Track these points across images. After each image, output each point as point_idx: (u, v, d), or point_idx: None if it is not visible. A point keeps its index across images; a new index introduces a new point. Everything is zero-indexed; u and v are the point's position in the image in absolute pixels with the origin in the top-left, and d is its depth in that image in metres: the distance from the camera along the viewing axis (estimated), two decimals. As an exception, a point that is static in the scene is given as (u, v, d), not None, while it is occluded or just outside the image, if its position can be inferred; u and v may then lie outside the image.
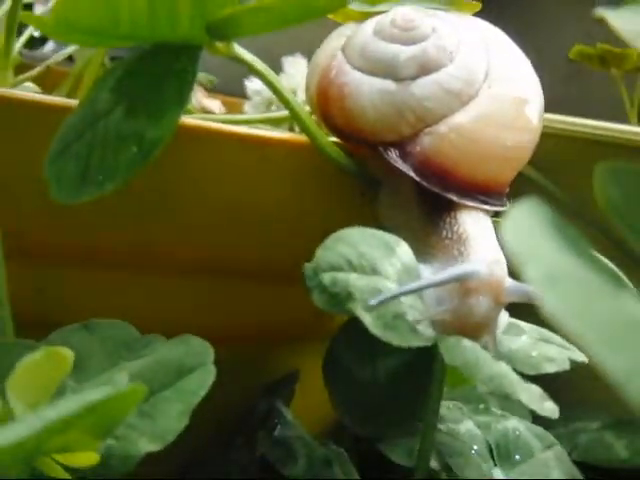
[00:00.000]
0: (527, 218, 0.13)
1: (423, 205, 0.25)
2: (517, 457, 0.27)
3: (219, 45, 0.22)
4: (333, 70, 0.25)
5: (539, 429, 0.29)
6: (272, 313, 0.29)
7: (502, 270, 0.23)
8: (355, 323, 0.27)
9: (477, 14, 0.27)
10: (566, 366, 0.24)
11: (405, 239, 0.24)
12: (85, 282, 0.26)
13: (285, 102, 0.25)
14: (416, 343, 0.22)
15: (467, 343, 0.22)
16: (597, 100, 0.56)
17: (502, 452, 0.27)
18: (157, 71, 0.22)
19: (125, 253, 0.26)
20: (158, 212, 0.25)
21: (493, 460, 0.27)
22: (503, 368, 0.22)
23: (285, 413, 0.30)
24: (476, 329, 0.23)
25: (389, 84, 0.25)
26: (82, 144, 0.21)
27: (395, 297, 0.21)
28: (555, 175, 0.31)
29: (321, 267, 0.22)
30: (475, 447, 0.27)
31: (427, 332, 0.22)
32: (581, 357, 0.25)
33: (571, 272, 0.12)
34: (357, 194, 0.27)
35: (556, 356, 0.25)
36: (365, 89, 0.25)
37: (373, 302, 0.21)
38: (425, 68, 0.25)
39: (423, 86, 0.24)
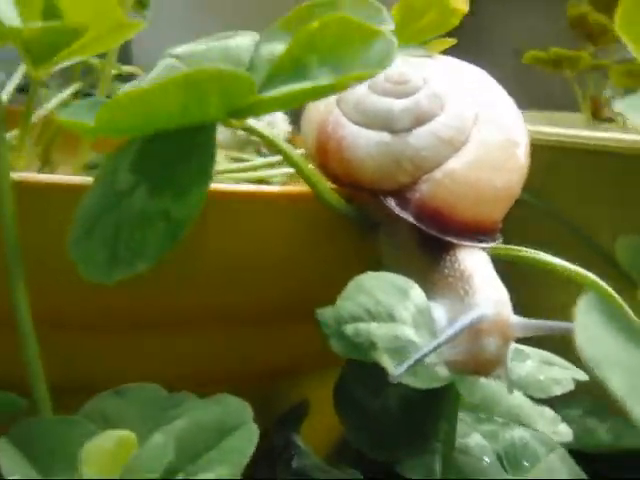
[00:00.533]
0: (597, 323, 0.14)
1: (423, 246, 0.27)
2: (526, 464, 0.29)
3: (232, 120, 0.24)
4: (330, 124, 0.27)
5: (541, 434, 0.31)
6: (278, 352, 0.31)
7: (507, 308, 0.24)
8: None
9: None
10: (571, 386, 0.26)
11: (408, 278, 0.26)
12: (97, 345, 0.27)
13: (289, 158, 0.26)
14: (435, 385, 0.23)
15: (482, 381, 0.24)
16: (546, 94, 0.58)
17: (511, 461, 0.29)
18: (176, 149, 0.23)
19: (138, 314, 0.27)
20: (170, 272, 0.26)
21: (504, 469, 0.29)
22: (517, 399, 0.24)
23: (299, 443, 0.31)
24: (489, 366, 0.24)
25: (385, 136, 0.26)
26: (107, 225, 0.22)
27: (418, 360, 0.22)
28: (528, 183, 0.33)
29: (343, 318, 0.23)
30: (486, 459, 0.29)
31: (443, 373, 0.24)
32: (582, 376, 0.27)
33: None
34: (357, 238, 0.29)
35: (561, 377, 0.27)
36: (362, 142, 0.26)
37: (400, 371, 0.22)
38: (419, 119, 0.26)
39: (418, 137, 0.26)
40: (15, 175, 0.23)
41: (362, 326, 0.23)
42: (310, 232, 0.28)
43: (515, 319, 0.24)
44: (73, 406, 0.23)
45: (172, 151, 0.23)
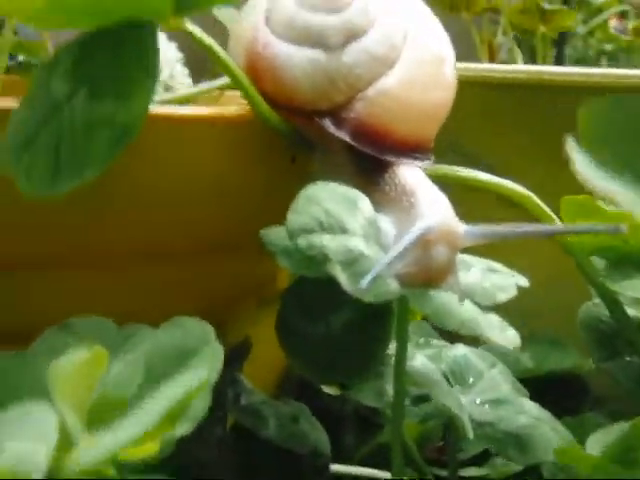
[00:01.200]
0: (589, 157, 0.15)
1: (360, 164, 0.26)
2: (471, 380, 0.29)
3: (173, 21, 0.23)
4: (260, 44, 0.26)
5: (479, 351, 0.31)
6: (212, 288, 0.30)
7: (453, 217, 0.24)
8: (302, 283, 0.28)
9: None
10: (514, 292, 0.27)
11: None
12: (33, 286, 0.26)
13: (230, 73, 0.25)
14: (387, 297, 0.23)
15: (434, 292, 0.24)
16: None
17: (458, 378, 0.29)
18: (116, 53, 0.22)
19: (73, 250, 0.26)
20: (95, 206, 0.25)
21: (451, 386, 0.29)
22: (469, 310, 0.24)
23: (244, 382, 0.30)
24: (440, 276, 0.24)
25: (319, 53, 0.25)
26: (47, 135, 0.21)
27: (377, 272, 0.22)
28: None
29: (295, 231, 0.23)
30: (434, 377, 0.29)
31: (394, 286, 0.23)
32: (524, 282, 0.27)
33: None
34: (288, 160, 0.28)
35: (504, 284, 0.27)
36: (296, 60, 0.25)
37: (363, 285, 0.22)
38: (351, 35, 0.26)
39: (351, 54, 0.26)
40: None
41: (315, 238, 0.23)
42: (241, 155, 0.27)
43: (462, 227, 0.24)
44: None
45: (110, 55, 0.22)
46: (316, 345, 0.28)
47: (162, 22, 0.23)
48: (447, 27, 0.60)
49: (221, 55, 0.25)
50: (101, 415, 0.18)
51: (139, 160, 0.24)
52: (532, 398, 0.29)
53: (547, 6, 0.51)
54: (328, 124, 0.26)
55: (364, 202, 0.25)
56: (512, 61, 0.59)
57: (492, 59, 0.60)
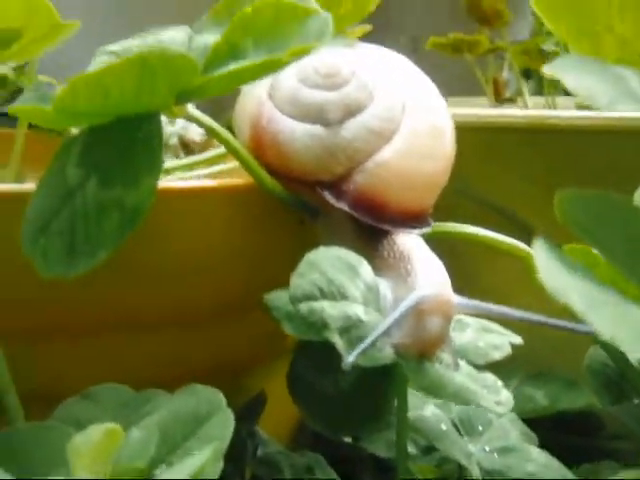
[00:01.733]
0: (552, 260, 0.16)
1: (360, 232, 0.27)
2: (480, 428, 0.30)
3: (175, 108, 0.24)
4: (264, 118, 0.27)
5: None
6: (229, 347, 0.31)
7: (448, 287, 0.25)
8: (310, 341, 0.29)
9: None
10: (509, 350, 0.28)
11: None
12: (55, 353, 0.27)
13: (230, 147, 0.26)
14: (380, 363, 0.24)
15: (428, 364, 0.25)
16: (446, 79, 0.60)
17: (467, 426, 0.30)
18: (122, 141, 0.23)
19: (90, 319, 0.27)
20: (120, 274, 0.26)
21: (460, 434, 0.30)
22: (462, 379, 0.25)
23: (261, 433, 0.31)
24: (433, 346, 0.25)
25: (319, 129, 0.27)
26: (62, 219, 0.22)
27: (368, 345, 0.23)
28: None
29: (297, 297, 0.24)
30: (444, 427, 0.30)
31: (389, 352, 0.24)
32: (518, 340, 0.28)
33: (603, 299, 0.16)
34: (296, 223, 0.29)
35: (499, 342, 0.28)
36: (298, 135, 0.27)
37: (351, 358, 0.23)
38: (350, 111, 0.27)
39: (350, 129, 0.27)
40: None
41: (315, 305, 0.24)
42: (250, 223, 0.28)
43: (456, 298, 0.25)
44: (39, 416, 0.23)
45: (118, 143, 0.23)
46: (326, 399, 0.29)
47: (165, 111, 0.24)
48: (452, 65, 0.61)
49: (222, 134, 0.26)
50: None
51: (151, 233, 0.25)
52: (546, 436, 0.30)
53: (547, 48, 0.52)
54: (328, 195, 0.27)
55: (365, 268, 0.26)
56: (519, 96, 0.60)
57: (498, 95, 0.61)
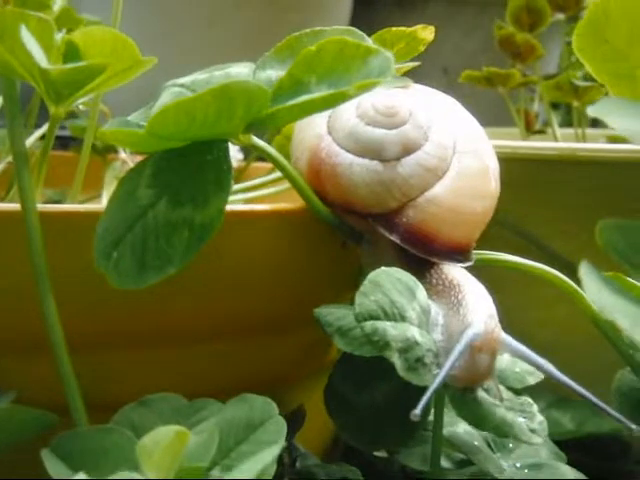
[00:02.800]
0: (598, 282, 0.18)
1: (407, 259, 0.29)
2: (511, 445, 0.31)
3: (242, 136, 0.26)
4: (324, 151, 0.29)
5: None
6: (273, 361, 0.33)
7: (497, 324, 0.26)
8: (349, 357, 0.30)
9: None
10: (541, 376, 0.29)
11: None
12: (110, 364, 0.29)
13: (288, 174, 0.28)
14: (431, 383, 0.25)
15: (472, 396, 0.26)
16: (477, 110, 0.62)
17: (498, 443, 0.31)
18: (192, 164, 0.25)
19: (147, 329, 0.28)
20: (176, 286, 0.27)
21: (492, 451, 0.31)
22: (504, 415, 0.26)
23: (299, 446, 0.33)
24: (481, 379, 0.26)
25: (377, 164, 0.28)
26: (134, 235, 0.24)
27: (431, 394, 0.24)
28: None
29: (362, 315, 0.25)
30: (476, 443, 0.31)
31: (439, 381, 0.25)
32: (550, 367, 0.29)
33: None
34: (339, 245, 0.31)
35: (532, 368, 0.29)
36: (356, 169, 0.28)
37: (419, 410, 0.24)
38: (407, 149, 0.28)
39: (406, 166, 0.28)
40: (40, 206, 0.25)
41: (379, 324, 0.25)
42: (297, 244, 0.30)
43: (503, 336, 0.26)
44: (98, 422, 0.25)
45: (188, 166, 0.25)
46: (361, 414, 0.30)
47: (233, 139, 0.26)
48: (484, 96, 0.63)
49: (280, 161, 0.28)
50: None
51: (207, 249, 0.26)
52: (573, 459, 0.31)
53: (580, 83, 0.53)
54: (381, 228, 0.29)
55: (421, 291, 0.27)
56: (548, 126, 0.61)
57: (529, 127, 0.62)
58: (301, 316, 0.30)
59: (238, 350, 0.31)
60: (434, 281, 0.28)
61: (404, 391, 0.29)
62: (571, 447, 0.32)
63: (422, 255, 0.28)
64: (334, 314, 0.27)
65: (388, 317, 0.25)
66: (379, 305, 0.25)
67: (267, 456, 0.22)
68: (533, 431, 0.27)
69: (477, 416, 0.26)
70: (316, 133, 0.29)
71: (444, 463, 0.31)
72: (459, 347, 0.25)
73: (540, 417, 0.29)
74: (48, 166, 0.29)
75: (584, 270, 0.19)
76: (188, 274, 0.26)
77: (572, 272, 0.28)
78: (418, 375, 0.25)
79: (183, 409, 0.25)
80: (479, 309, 0.26)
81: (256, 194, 0.39)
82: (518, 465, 0.30)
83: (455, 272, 0.28)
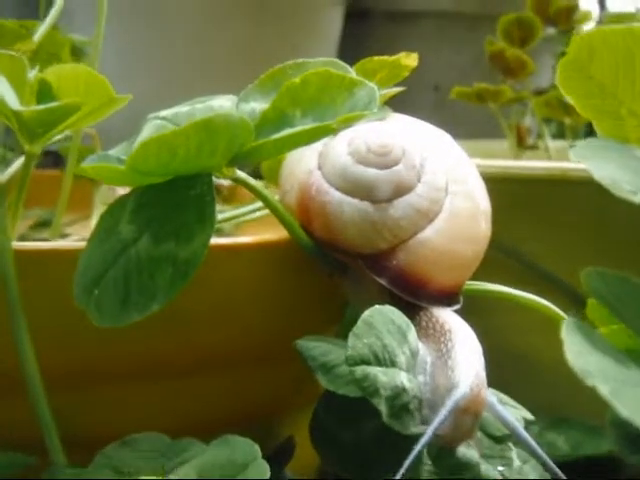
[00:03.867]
0: (581, 343, 0.17)
1: (394, 299, 0.28)
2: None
3: (225, 169, 0.25)
4: (313, 187, 0.28)
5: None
6: (258, 394, 0.32)
7: (483, 384, 0.26)
8: (333, 392, 0.29)
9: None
10: (522, 424, 0.28)
11: None
12: (90, 401, 0.28)
13: (271, 206, 0.28)
14: (414, 431, 0.25)
15: (454, 455, 0.26)
16: (468, 125, 0.61)
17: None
18: (174, 199, 0.24)
19: (129, 365, 0.28)
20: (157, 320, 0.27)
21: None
22: (484, 468, 0.26)
23: (288, 476, 0.32)
24: (462, 439, 0.26)
25: (367, 205, 0.27)
26: (117, 271, 0.24)
27: (416, 456, 0.24)
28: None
29: (354, 359, 0.24)
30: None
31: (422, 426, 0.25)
32: (529, 415, 0.29)
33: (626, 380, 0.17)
34: (326, 276, 0.30)
35: (514, 416, 0.28)
36: (346, 209, 0.27)
37: (399, 476, 0.24)
38: (399, 191, 0.27)
39: (397, 208, 0.27)
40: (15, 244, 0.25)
41: (370, 370, 0.25)
42: (282, 275, 0.30)
43: (488, 397, 0.26)
44: (78, 460, 0.25)
45: (170, 201, 0.24)
46: (347, 449, 0.29)
47: (216, 173, 0.25)
48: (476, 112, 0.62)
49: (262, 194, 0.27)
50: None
51: (196, 283, 0.25)
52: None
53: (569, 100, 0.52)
54: (369, 270, 0.28)
55: (412, 334, 0.26)
56: (541, 139, 0.61)
57: (521, 141, 0.62)
58: (288, 348, 0.29)
59: (224, 383, 0.30)
60: (424, 323, 0.27)
61: (390, 428, 0.28)
62: (566, 469, 0.32)
63: (410, 299, 0.27)
64: (319, 348, 0.27)
65: (379, 362, 0.25)
66: (371, 350, 0.25)
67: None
68: None
69: (456, 466, 0.26)
70: (306, 168, 0.28)
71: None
72: (444, 411, 0.24)
73: (517, 463, 0.28)
74: (38, 183, 0.29)
75: (566, 328, 0.19)
76: (171, 307, 0.26)
77: (566, 292, 0.28)
78: (401, 422, 0.25)
79: (166, 450, 0.25)
80: (466, 367, 0.25)
81: (246, 218, 0.38)
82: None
83: (445, 316, 0.27)
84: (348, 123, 0.23)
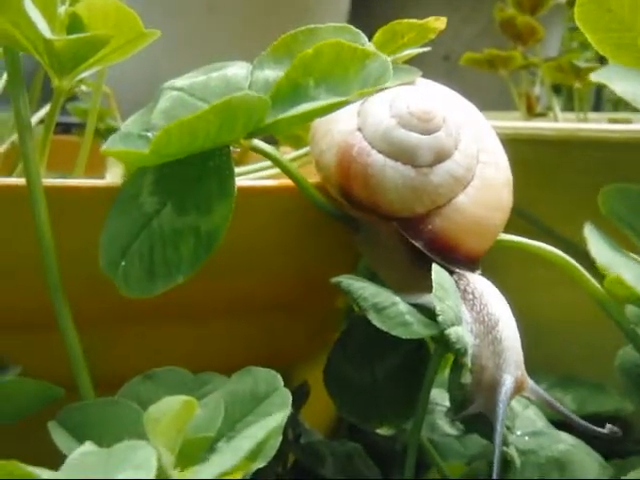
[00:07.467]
0: (602, 240, 0.19)
1: (414, 259, 0.29)
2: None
3: (242, 141, 0.26)
4: (354, 148, 0.28)
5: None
6: (280, 336, 0.33)
7: (523, 373, 0.27)
8: (348, 336, 0.31)
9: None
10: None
11: (389, 276, 0.29)
12: (118, 340, 0.29)
13: (287, 171, 0.28)
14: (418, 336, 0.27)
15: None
16: (479, 96, 0.62)
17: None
18: (195, 171, 0.25)
19: (156, 307, 0.28)
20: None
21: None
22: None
23: (303, 422, 0.33)
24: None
25: (409, 170, 0.28)
26: (142, 243, 0.24)
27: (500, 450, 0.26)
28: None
29: (446, 323, 0.26)
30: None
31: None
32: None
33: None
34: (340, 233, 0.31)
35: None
36: (389, 172, 0.28)
37: (495, 477, 0.25)
38: (439, 157, 0.28)
39: (437, 174, 0.28)
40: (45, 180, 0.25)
41: (460, 331, 0.26)
42: (303, 222, 0.30)
43: (530, 383, 0.27)
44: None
45: (191, 173, 0.25)
46: (361, 392, 0.31)
47: (235, 144, 0.26)
48: (485, 82, 0.63)
49: (279, 160, 0.28)
50: (188, 454, 0.21)
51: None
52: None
53: (581, 64, 0.53)
54: (405, 232, 0.29)
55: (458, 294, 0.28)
56: (550, 110, 0.62)
57: (531, 109, 0.62)
58: (308, 293, 0.31)
59: (246, 327, 0.31)
60: (461, 287, 0.28)
61: (405, 369, 0.31)
62: (571, 428, 0.34)
63: (442, 262, 0.28)
64: (367, 289, 0.27)
65: (459, 322, 0.26)
66: (454, 311, 0.26)
67: (272, 423, 0.22)
68: None
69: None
70: (345, 129, 0.29)
71: (449, 430, 0.33)
72: (499, 410, 0.26)
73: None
74: (50, 150, 0.29)
75: (588, 230, 0.20)
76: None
77: (574, 252, 0.29)
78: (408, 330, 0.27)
79: (189, 382, 0.25)
80: (514, 358, 0.27)
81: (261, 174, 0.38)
82: (519, 433, 0.32)
83: (481, 283, 0.28)
84: (364, 96, 0.23)
